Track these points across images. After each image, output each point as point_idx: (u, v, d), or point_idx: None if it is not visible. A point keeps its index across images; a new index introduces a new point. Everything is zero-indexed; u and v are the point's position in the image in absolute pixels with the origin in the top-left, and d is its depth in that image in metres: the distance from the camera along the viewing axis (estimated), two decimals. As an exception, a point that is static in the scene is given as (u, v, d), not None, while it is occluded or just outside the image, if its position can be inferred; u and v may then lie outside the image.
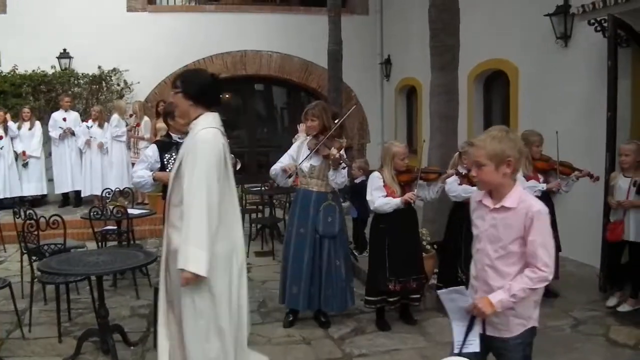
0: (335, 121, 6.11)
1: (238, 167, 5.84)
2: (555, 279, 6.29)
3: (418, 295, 5.67)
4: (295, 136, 5.99)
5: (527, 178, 6.10)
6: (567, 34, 7.88)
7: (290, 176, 5.65)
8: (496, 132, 3.04)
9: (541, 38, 8.31)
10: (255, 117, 14.92)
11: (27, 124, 11.24)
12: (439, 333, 5.51)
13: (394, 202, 5.38)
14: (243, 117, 14.91)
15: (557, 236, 6.29)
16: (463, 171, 5.83)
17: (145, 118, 11.44)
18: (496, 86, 10.14)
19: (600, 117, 6.79)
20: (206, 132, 3.67)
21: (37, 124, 11.38)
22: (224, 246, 3.71)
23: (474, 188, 5.73)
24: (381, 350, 5.18)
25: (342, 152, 5.54)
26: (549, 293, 6.38)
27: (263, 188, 9.27)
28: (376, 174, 5.56)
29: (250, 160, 13.66)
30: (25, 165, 11.26)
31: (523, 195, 3.02)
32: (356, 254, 7.69)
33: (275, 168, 5.77)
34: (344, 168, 5.61)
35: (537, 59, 8.50)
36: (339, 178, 5.61)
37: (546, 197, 6.19)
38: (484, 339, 3.09)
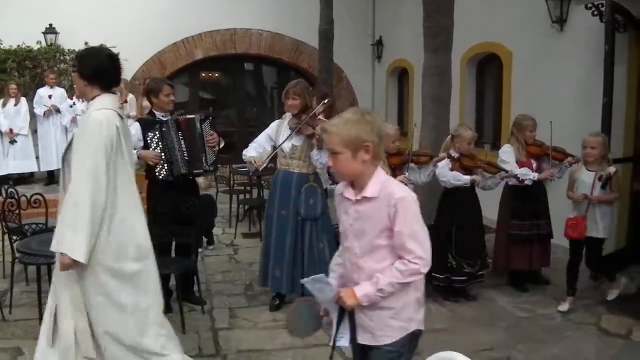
0: (325, 101, 6.00)
1: (222, 145, 5.72)
2: (545, 267, 6.34)
3: (408, 281, 5.57)
4: (283, 116, 5.84)
5: (520, 164, 6.01)
6: (562, 18, 7.76)
7: (257, 170, 5.53)
8: (350, 114, 2.73)
9: (536, 22, 8.18)
10: (244, 96, 14.73)
11: (12, 101, 11.02)
12: (429, 320, 5.35)
13: None
14: (232, 96, 14.75)
15: (550, 223, 6.24)
16: (455, 155, 5.74)
17: (130, 95, 11.28)
18: (489, 70, 10.02)
19: (595, 103, 6.69)
20: (98, 113, 3.50)
21: (23, 100, 11.13)
22: (123, 236, 3.55)
23: (467, 177, 5.68)
24: (369, 336, 5.08)
25: None
26: (540, 280, 6.34)
27: (251, 168, 9.13)
28: (366, 156, 5.42)
29: (239, 139, 13.35)
30: (12, 142, 11.06)
31: (385, 182, 2.73)
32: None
33: (246, 154, 5.63)
34: None
35: (532, 43, 8.38)
36: (324, 158, 5.47)
37: (538, 182, 6.11)
38: (360, 349, 2.86)
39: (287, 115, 5.70)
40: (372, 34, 13.93)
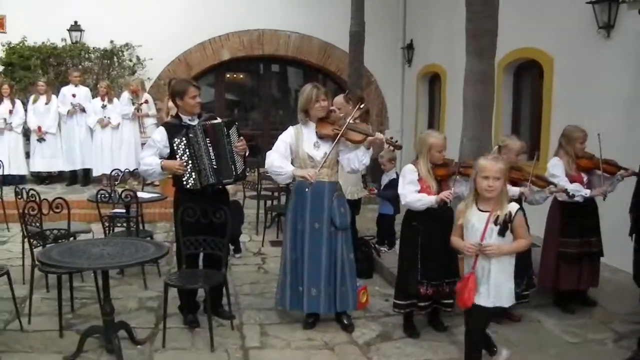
0: (361, 105, 5.77)
1: (247, 153, 5.43)
2: (594, 287, 5.96)
3: (451, 301, 5.21)
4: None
5: (570, 178, 5.64)
6: (610, 24, 7.36)
7: (311, 184, 5.05)
8: None
9: (580, 27, 7.79)
10: (269, 98, 14.46)
11: (43, 98, 10.84)
12: (472, 342, 5.08)
13: (427, 199, 4.90)
14: (257, 98, 14.51)
15: (600, 240, 5.88)
16: (504, 167, 5.37)
17: (146, 95, 11.11)
18: (527, 77, 9.64)
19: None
20: None
21: (54, 98, 10.98)
22: None
23: (515, 189, 5.31)
24: (411, 360, 4.76)
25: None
26: (587, 301, 5.96)
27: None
28: (410, 166, 5.09)
29: (265, 142, 13.19)
30: (40, 140, 10.89)
31: None
32: (384, 249, 7.26)
33: (283, 168, 5.16)
34: (398, 149, 5.39)
35: (575, 50, 7.99)
36: (367, 159, 5.27)
37: (589, 197, 5.76)
38: None
39: (308, 123, 5.34)
40: (402, 37, 13.56)
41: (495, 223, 3.94)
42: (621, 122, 7.05)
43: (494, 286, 3.99)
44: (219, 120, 5.39)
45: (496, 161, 4.06)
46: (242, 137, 5.38)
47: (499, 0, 6.52)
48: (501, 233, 3.94)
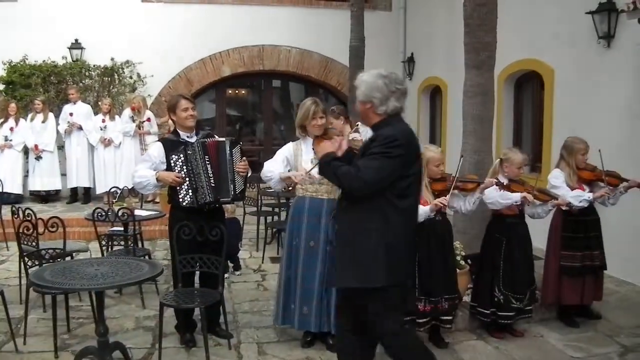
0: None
1: (249, 174, 5.36)
2: (597, 300, 5.87)
3: (450, 317, 5.12)
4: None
5: (571, 190, 5.57)
6: (610, 34, 7.31)
7: (294, 185, 5.08)
8: None
9: (580, 38, 7.75)
10: (271, 113, 14.44)
11: (40, 117, 10.83)
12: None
13: (424, 210, 4.82)
14: (259, 113, 14.49)
15: (603, 253, 5.78)
16: (504, 181, 5.30)
17: (149, 112, 11.11)
18: (528, 88, 9.59)
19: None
20: None
21: (51, 116, 10.97)
22: None
23: (515, 195, 5.23)
24: (411, 378, 4.64)
25: None
26: (591, 314, 5.87)
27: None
28: (407, 181, 5.02)
29: (266, 158, 12.93)
30: (37, 159, 10.86)
31: None
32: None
33: (272, 171, 5.15)
34: None
35: (576, 61, 7.94)
36: None
37: (592, 210, 5.68)
38: None
39: (306, 139, 5.26)
40: (403, 50, 13.55)
41: None
42: (623, 133, 7.00)
43: None
44: (222, 138, 5.32)
45: None
46: (244, 158, 5.31)
47: (497, 13, 6.50)
48: None
